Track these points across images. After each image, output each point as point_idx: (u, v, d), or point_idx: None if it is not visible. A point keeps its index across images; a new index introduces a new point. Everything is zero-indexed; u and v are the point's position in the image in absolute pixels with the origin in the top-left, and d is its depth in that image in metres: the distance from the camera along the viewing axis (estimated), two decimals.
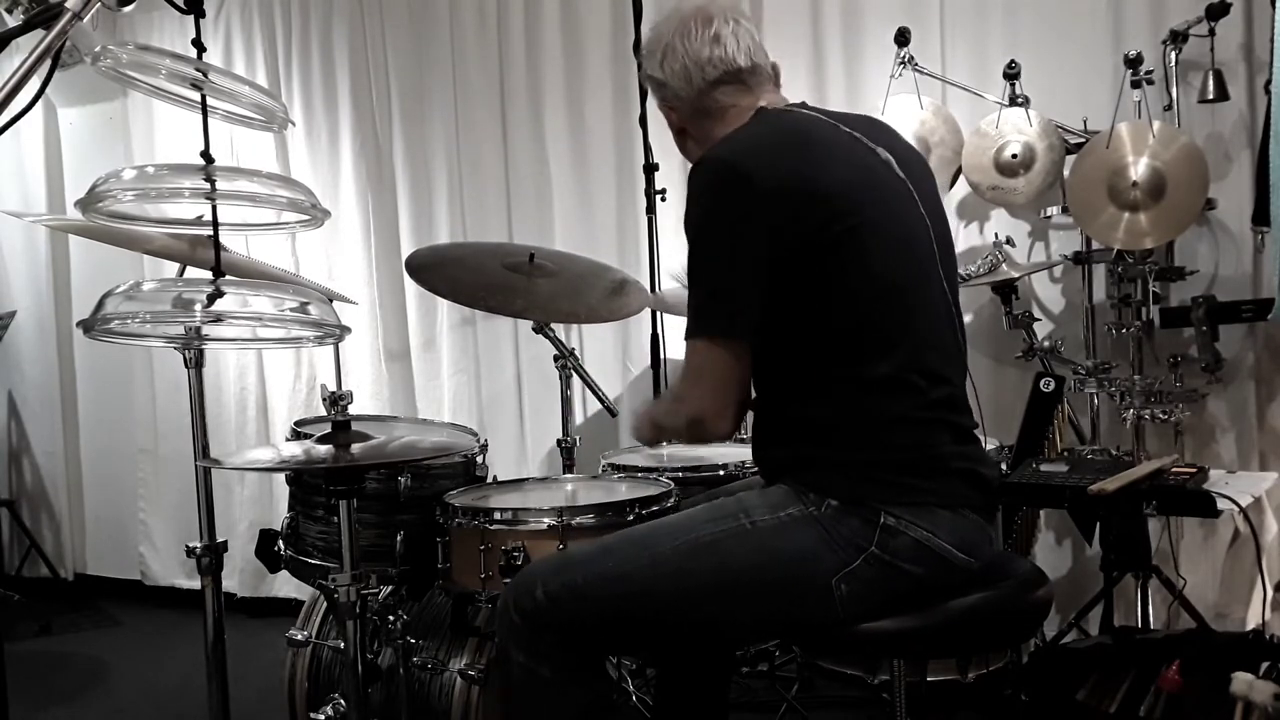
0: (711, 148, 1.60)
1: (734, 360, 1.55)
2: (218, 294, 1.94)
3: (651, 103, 2.99)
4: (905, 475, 1.53)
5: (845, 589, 1.50)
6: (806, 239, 1.51)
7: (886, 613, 1.52)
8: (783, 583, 1.53)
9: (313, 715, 2.04)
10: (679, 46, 1.68)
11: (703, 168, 1.57)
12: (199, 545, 2.26)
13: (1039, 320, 2.91)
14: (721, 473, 2.23)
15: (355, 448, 1.89)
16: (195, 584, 2.52)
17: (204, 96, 2.02)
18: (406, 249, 3.52)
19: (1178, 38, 2.71)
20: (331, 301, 2.12)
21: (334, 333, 2.08)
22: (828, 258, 1.52)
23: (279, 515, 2.57)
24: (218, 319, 2.01)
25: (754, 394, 1.68)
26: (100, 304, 1.85)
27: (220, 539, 2.30)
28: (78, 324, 1.91)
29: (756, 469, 1.77)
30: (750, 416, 1.72)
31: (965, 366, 1.69)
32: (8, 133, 1.16)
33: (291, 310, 2.06)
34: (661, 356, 2.94)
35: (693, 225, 1.57)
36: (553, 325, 2.64)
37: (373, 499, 2.04)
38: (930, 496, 1.53)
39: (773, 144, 1.58)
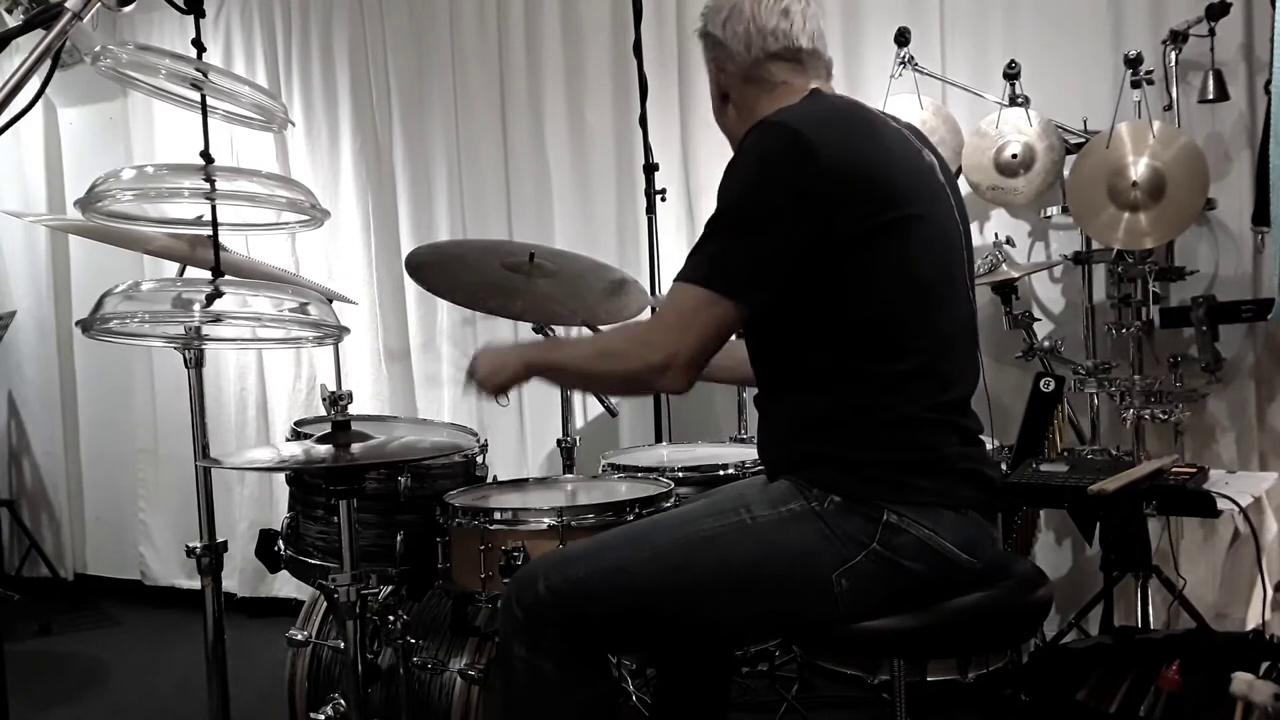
0: (776, 113, 1.55)
1: (730, 325, 1.51)
2: (217, 294, 1.94)
3: (652, 102, 3.01)
4: (910, 475, 1.52)
5: (846, 584, 1.50)
6: (856, 222, 1.47)
7: (888, 610, 1.52)
8: (783, 578, 1.52)
9: (313, 715, 2.04)
10: (746, 10, 1.64)
11: (767, 130, 1.51)
12: (199, 545, 2.26)
13: (1039, 320, 2.91)
14: (722, 473, 2.23)
15: (355, 448, 1.89)
16: (195, 584, 2.52)
17: (204, 96, 2.02)
18: (406, 249, 3.51)
19: (1178, 38, 2.71)
20: (331, 301, 2.12)
21: (333, 333, 2.08)
22: (873, 244, 1.49)
23: (279, 515, 2.57)
24: (217, 319, 2.01)
25: (759, 387, 1.67)
26: (99, 304, 1.85)
27: (220, 539, 2.30)
28: (77, 323, 1.91)
29: (760, 467, 1.76)
30: (755, 412, 1.71)
31: (979, 371, 1.69)
32: (8, 133, 1.15)
33: (291, 310, 2.06)
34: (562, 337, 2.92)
35: (741, 180, 1.51)
36: (553, 325, 2.64)
37: (373, 499, 2.04)
38: (934, 496, 1.53)
39: (838, 120, 1.56)
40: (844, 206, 1.47)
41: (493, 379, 1.69)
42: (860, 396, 1.52)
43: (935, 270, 1.57)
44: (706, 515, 1.59)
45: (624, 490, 2.13)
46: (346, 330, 2.09)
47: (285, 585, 3.75)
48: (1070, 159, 2.80)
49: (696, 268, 1.51)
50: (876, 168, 1.51)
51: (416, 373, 3.69)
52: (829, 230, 1.47)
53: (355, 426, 1.95)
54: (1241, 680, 1.71)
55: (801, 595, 1.52)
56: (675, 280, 1.53)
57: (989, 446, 2.45)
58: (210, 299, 1.93)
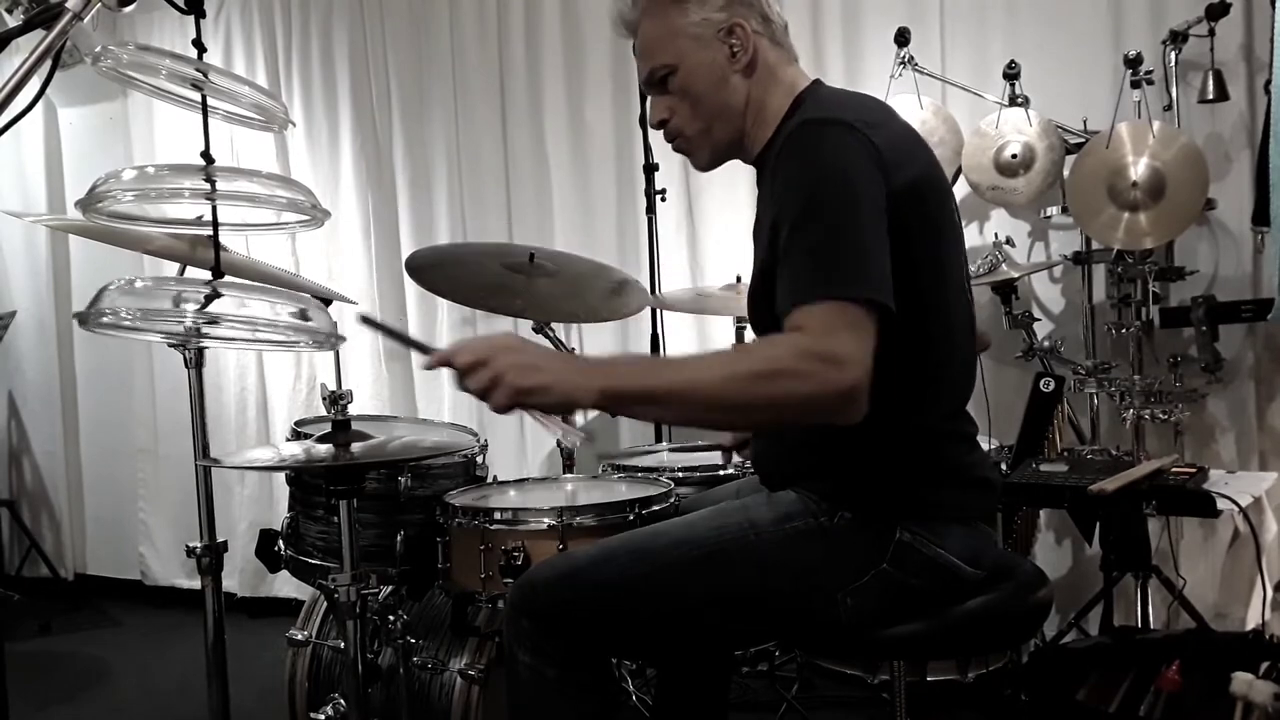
0: (821, 110, 1.45)
1: (876, 337, 1.30)
2: (214, 295, 1.93)
3: None
4: (926, 489, 1.49)
5: (851, 603, 1.48)
6: (919, 228, 1.41)
7: (889, 621, 1.50)
8: (786, 597, 1.50)
9: (313, 715, 2.05)
10: None
11: (829, 127, 1.39)
12: (199, 545, 2.26)
13: (1039, 320, 2.91)
14: (722, 473, 2.23)
15: (355, 447, 1.89)
16: (195, 584, 2.52)
17: (204, 96, 2.02)
18: (406, 249, 3.52)
19: (1178, 38, 2.71)
20: (331, 302, 2.11)
21: (331, 341, 2.07)
22: (917, 248, 1.40)
23: (279, 515, 2.57)
24: (214, 321, 2.00)
25: None
26: (98, 297, 1.84)
27: (220, 539, 2.29)
28: (74, 315, 1.91)
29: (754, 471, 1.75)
30: None
31: (974, 375, 1.65)
32: (8, 133, 1.16)
33: (290, 315, 2.05)
34: (662, 357, 2.93)
35: (823, 179, 1.36)
36: (553, 325, 2.64)
37: (373, 499, 2.04)
38: (948, 510, 1.50)
39: (884, 120, 1.46)
40: (910, 215, 1.40)
41: (526, 391, 1.32)
42: (880, 405, 1.42)
43: (958, 271, 1.53)
44: (709, 530, 1.55)
45: (624, 490, 2.13)
46: (342, 339, 2.08)
47: (285, 585, 3.75)
48: (1070, 159, 2.80)
49: (824, 278, 1.30)
50: (925, 170, 1.46)
51: (416, 373, 3.69)
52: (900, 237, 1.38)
53: (355, 426, 1.95)
54: (1241, 680, 1.71)
55: (805, 612, 1.51)
56: (810, 297, 1.30)
57: (988, 447, 2.46)
58: (208, 300, 1.92)
